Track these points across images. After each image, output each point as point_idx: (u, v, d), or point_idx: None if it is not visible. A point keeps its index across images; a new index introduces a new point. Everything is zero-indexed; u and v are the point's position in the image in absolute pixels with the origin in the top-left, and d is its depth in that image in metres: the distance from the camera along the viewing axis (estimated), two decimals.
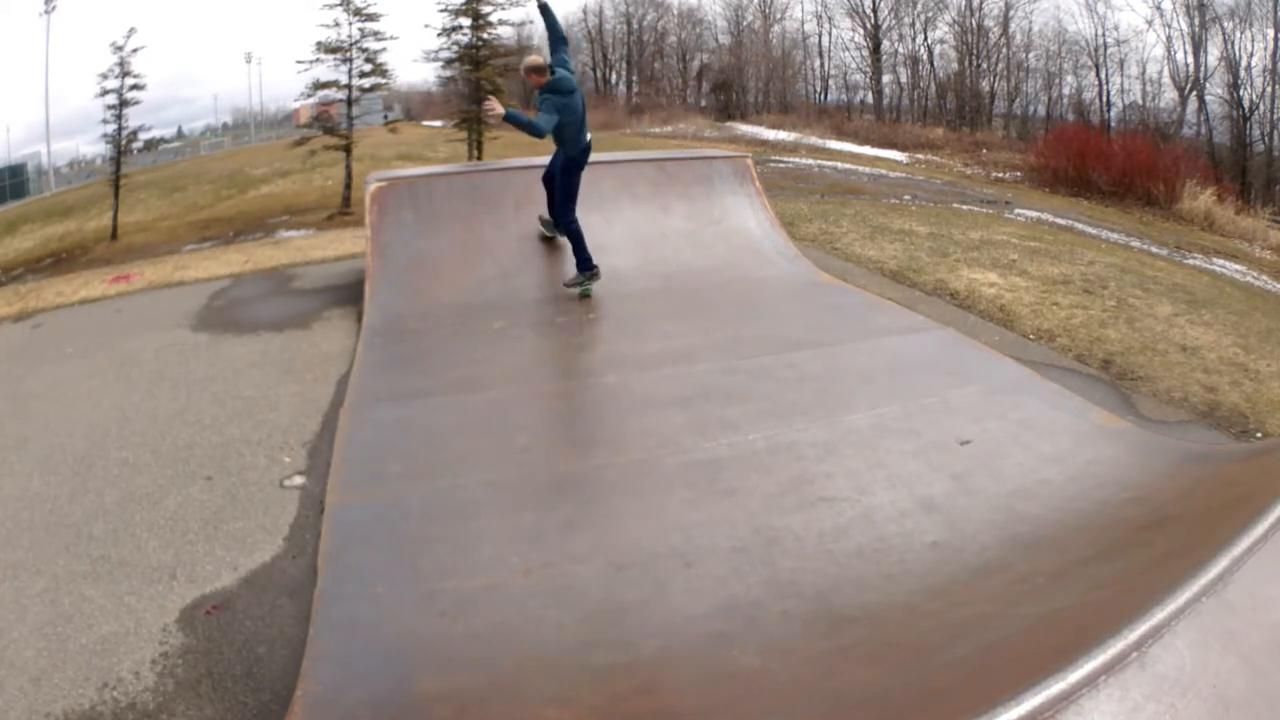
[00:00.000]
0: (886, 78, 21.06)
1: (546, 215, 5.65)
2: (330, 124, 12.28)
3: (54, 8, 12.54)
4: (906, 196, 12.15)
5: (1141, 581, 2.06)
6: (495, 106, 4.63)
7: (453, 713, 2.05)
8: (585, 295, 5.29)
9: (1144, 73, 17.83)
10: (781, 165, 15.12)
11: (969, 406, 3.68)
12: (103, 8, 12.00)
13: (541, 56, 4.96)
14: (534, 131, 4.61)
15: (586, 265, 5.26)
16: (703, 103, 22.37)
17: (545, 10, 5.20)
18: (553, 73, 4.83)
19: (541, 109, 4.70)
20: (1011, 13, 19.45)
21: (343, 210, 11.72)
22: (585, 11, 22.16)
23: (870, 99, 21.28)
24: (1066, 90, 19.09)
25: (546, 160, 5.46)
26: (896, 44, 20.89)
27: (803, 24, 21.61)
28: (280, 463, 3.46)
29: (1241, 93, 16.63)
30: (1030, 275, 6.24)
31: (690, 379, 4.02)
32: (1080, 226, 10.78)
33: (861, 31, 21.11)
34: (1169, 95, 17.61)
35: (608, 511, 2.95)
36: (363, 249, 6.12)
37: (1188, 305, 5.75)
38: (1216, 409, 3.94)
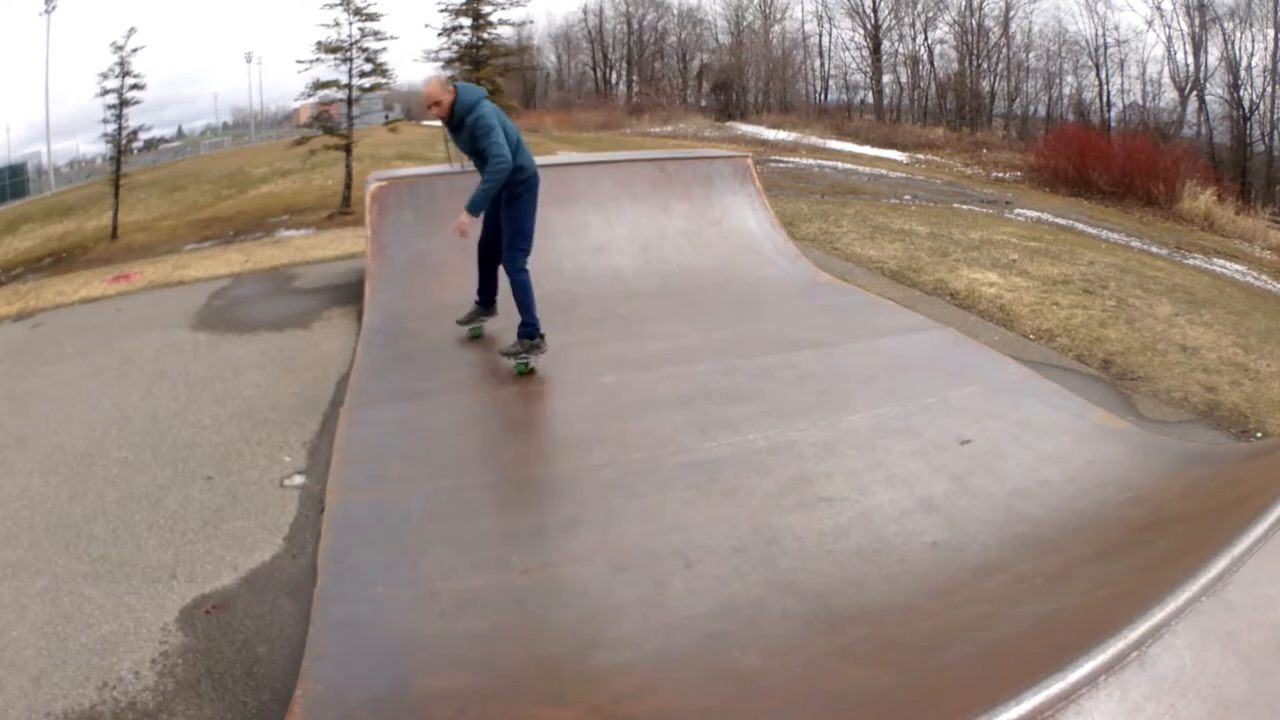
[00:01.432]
0: (886, 78, 21.09)
1: (473, 305, 4.68)
2: (330, 124, 12.29)
3: (54, 8, 12.54)
4: (906, 196, 12.15)
5: (1141, 581, 2.06)
6: (463, 224, 3.97)
7: (453, 713, 2.05)
8: (522, 372, 4.16)
9: (1144, 73, 17.84)
10: (781, 165, 15.12)
11: (969, 406, 3.68)
12: (103, 8, 12.01)
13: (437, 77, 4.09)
14: (500, 172, 3.87)
15: (533, 331, 4.19)
16: (703, 103, 22.40)
17: None
18: (454, 89, 4.02)
19: (487, 136, 3.87)
20: (1011, 13, 19.46)
21: (343, 210, 11.73)
22: (585, 11, 22.20)
23: (870, 99, 21.31)
24: (1066, 90, 19.11)
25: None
26: (896, 44, 20.92)
27: (803, 24, 21.66)
28: (280, 462, 3.46)
29: (1241, 93, 16.64)
30: (1030, 275, 6.24)
31: (690, 379, 4.02)
32: (1080, 226, 10.78)
33: (861, 31, 21.13)
34: (1169, 95, 17.64)
35: (608, 511, 2.95)
36: (363, 248, 6.12)
37: (1188, 305, 5.75)
38: (1216, 409, 3.94)
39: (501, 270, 4.33)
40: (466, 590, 2.52)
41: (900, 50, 20.88)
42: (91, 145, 12.82)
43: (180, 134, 14.92)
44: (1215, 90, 17.00)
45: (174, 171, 13.96)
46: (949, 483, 3.03)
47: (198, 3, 13.98)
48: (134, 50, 11.88)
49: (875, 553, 2.63)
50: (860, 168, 15.58)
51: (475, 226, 4.21)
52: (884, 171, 15.38)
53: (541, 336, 4.22)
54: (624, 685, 2.13)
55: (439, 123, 4.16)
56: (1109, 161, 14.26)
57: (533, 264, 4.58)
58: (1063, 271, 6.43)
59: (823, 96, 21.87)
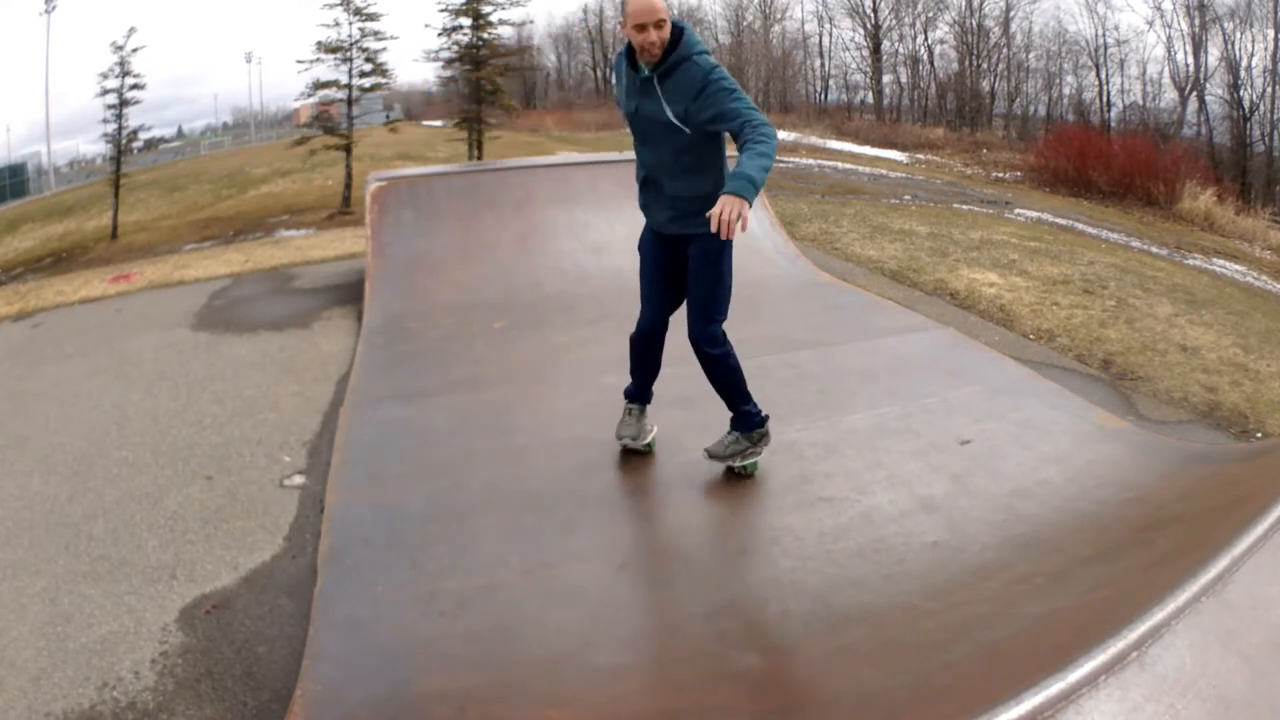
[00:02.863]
0: (887, 78, 21.07)
1: (627, 411, 3.25)
2: (330, 124, 12.28)
3: (54, 8, 12.54)
4: (906, 196, 12.14)
5: (1141, 581, 2.06)
6: (744, 214, 2.26)
7: (453, 713, 2.05)
8: (753, 472, 3.07)
9: (1144, 73, 17.83)
10: (781, 165, 15.11)
11: (969, 406, 3.68)
12: (103, 8, 12.00)
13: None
14: (775, 142, 2.44)
15: (754, 418, 3.02)
16: None
17: None
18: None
19: (741, 96, 2.51)
20: (1012, 13, 19.45)
21: (343, 210, 11.73)
22: (585, 11, 22.18)
23: (870, 99, 21.28)
24: (1067, 90, 19.09)
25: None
26: (897, 44, 20.89)
27: (803, 24, 21.63)
28: (280, 462, 3.46)
29: (1242, 93, 16.64)
30: (1030, 275, 6.24)
31: (690, 379, 3.97)
32: (1080, 227, 10.77)
33: (862, 31, 21.11)
34: (1169, 95, 17.62)
35: (608, 511, 2.95)
36: (363, 248, 6.12)
37: (1188, 305, 5.74)
38: (1216, 409, 3.94)
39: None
40: (466, 590, 2.52)
41: (900, 50, 20.87)
42: (91, 145, 12.82)
43: (180, 134, 14.91)
44: (1215, 90, 17.00)
45: (174, 171, 13.95)
46: (949, 483, 3.03)
47: (198, 3, 13.96)
48: (134, 50, 11.88)
49: (875, 553, 2.63)
50: (860, 168, 15.57)
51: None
52: (884, 171, 15.38)
53: (766, 418, 3.05)
54: (624, 685, 2.13)
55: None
56: (1109, 161, 14.24)
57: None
58: (1063, 271, 6.42)
59: (823, 96, 21.86)
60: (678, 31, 2.54)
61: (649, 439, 3.30)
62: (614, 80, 2.80)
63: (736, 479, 3.09)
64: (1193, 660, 1.60)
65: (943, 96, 20.46)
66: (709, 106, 2.50)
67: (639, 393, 3.24)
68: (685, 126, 2.56)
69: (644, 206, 2.89)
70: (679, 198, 2.70)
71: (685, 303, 2.90)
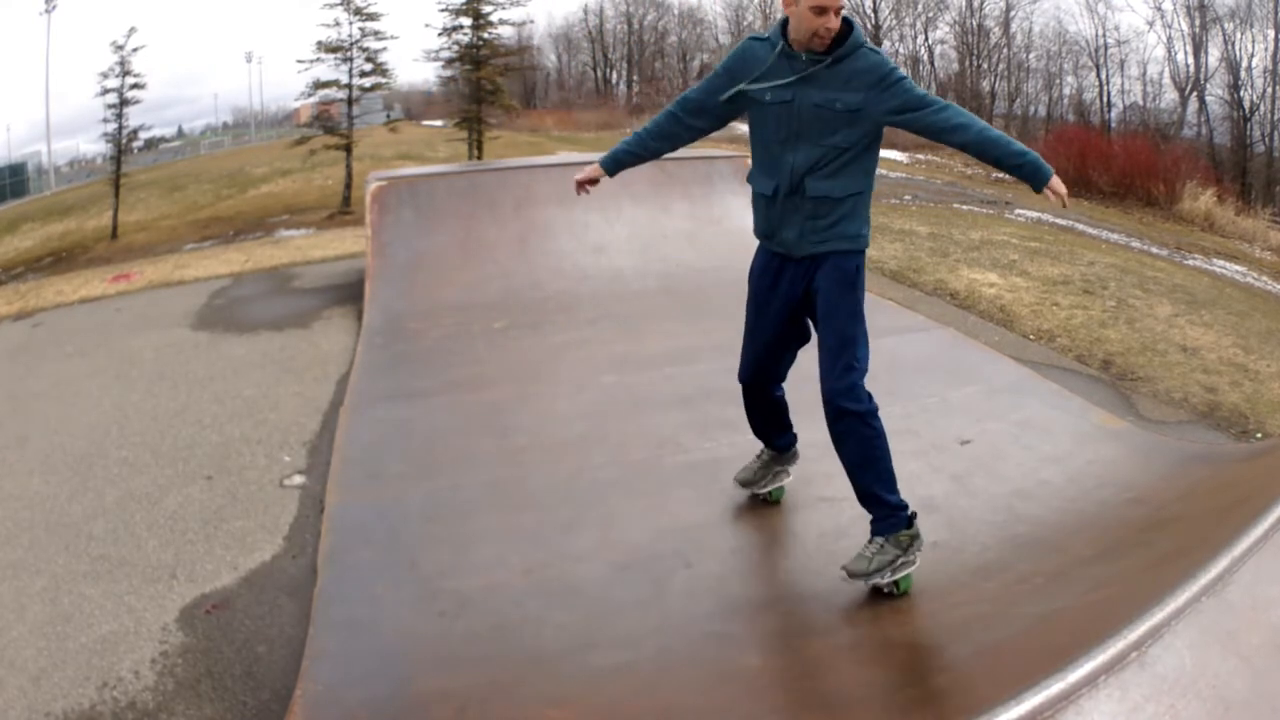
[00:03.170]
0: None
1: (759, 456, 2.91)
2: (330, 124, 12.28)
3: (54, 7, 12.54)
4: (907, 196, 12.14)
5: (1141, 582, 2.06)
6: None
7: (453, 713, 2.05)
8: (902, 589, 2.35)
9: (1144, 73, 17.83)
10: None
11: (969, 406, 3.68)
12: (103, 8, 12.00)
13: None
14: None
15: (901, 515, 2.36)
16: None
17: None
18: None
19: (923, 91, 2.37)
20: (1012, 13, 19.45)
21: (343, 210, 11.72)
22: (585, 11, 22.15)
23: None
24: (1067, 91, 19.09)
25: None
26: (897, 44, 20.87)
27: None
28: (280, 462, 3.46)
29: (1242, 93, 16.64)
30: (1030, 275, 6.24)
31: (690, 379, 4.01)
32: (1080, 227, 10.77)
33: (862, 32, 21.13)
34: (1169, 96, 17.61)
35: (608, 511, 2.94)
36: (363, 248, 6.12)
37: (1188, 306, 5.74)
38: (1216, 409, 3.94)
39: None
40: (466, 590, 2.52)
41: (900, 50, 20.87)
42: (92, 145, 12.83)
43: (180, 134, 14.90)
44: (1215, 91, 17.00)
45: (174, 171, 13.95)
46: (949, 483, 3.03)
47: (198, 3, 13.95)
48: (134, 50, 11.88)
49: None
50: None
51: None
52: (884, 171, 15.36)
53: (914, 515, 2.39)
54: (624, 685, 2.13)
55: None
56: (1109, 162, 14.25)
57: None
58: (1063, 272, 6.42)
59: None
60: (847, 23, 2.34)
61: (771, 488, 2.86)
62: (738, 65, 2.43)
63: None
64: (1193, 660, 1.60)
65: (943, 96, 20.48)
66: (895, 96, 2.28)
67: (759, 434, 2.86)
68: (861, 117, 2.29)
69: (767, 229, 2.49)
70: (826, 199, 2.33)
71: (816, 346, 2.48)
